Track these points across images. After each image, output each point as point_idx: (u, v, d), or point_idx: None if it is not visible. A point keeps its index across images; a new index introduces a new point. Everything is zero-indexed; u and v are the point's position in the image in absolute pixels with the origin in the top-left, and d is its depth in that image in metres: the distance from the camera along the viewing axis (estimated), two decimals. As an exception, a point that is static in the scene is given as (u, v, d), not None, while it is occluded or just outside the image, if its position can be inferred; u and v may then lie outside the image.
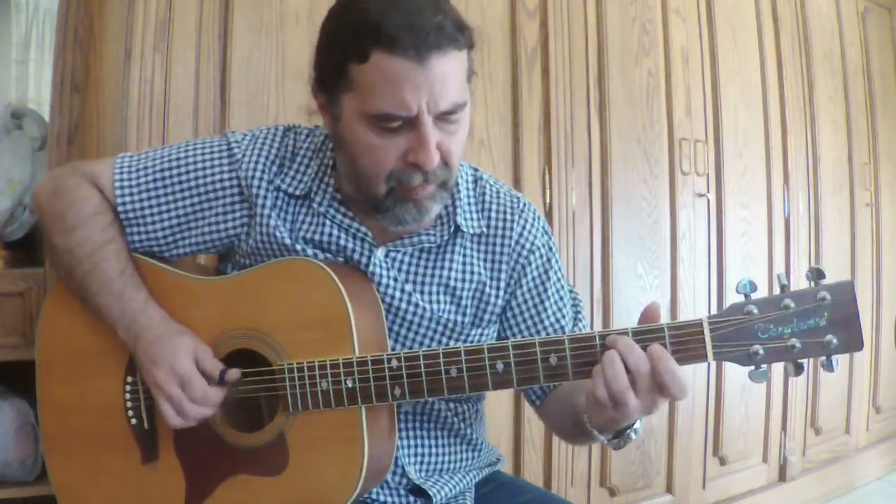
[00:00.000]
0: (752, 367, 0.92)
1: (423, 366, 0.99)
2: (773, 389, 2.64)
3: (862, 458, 3.01)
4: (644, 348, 0.91)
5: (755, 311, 0.90)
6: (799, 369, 0.91)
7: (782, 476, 2.68)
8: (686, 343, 0.92)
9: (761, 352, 0.91)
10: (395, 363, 0.99)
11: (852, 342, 0.89)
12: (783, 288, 0.91)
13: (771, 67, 2.67)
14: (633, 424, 0.98)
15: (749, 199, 2.56)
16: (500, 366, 0.97)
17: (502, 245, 1.14)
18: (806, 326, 0.90)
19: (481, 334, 1.15)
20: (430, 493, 1.12)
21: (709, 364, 2.43)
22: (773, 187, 2.65)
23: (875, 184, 3.09)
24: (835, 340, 0.89)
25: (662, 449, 2.32)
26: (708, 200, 2.43)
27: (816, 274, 0.90)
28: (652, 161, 2.28)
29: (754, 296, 0.91)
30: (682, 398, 0.92)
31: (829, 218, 2.85)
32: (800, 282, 2.65)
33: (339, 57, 0.98)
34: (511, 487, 1.24)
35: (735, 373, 2.50)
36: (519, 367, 0.96)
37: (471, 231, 1.13)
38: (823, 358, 0.90)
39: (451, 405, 1.17)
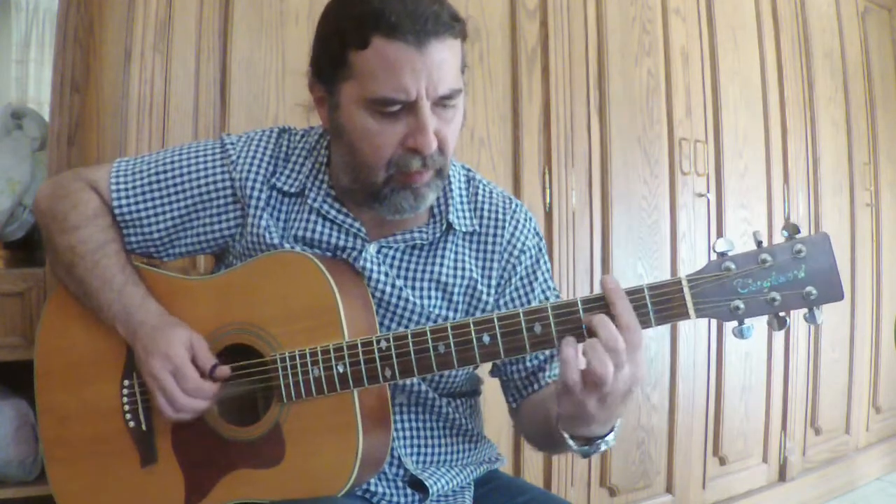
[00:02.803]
0: (736, 323, 0.93)
1: (411, 344, 1.00)
2: (773, 389, 2.65)
3: (862, 458, 3.01)
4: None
5: (733, 266, 0.92)
6: (782, 323, 0.92)
7: (782, 476, 2.68)
8: (667, 302, 0.93)
9: (742, 306, 0.92)
10: (384, 344, 1.01)
11: (832, 292, 0.90)
12: (759, 244, 0.92)
13: (771, 67, 2.67)
14: (606, 435, 0.99)
15: (749, 199, 2.57)
16: (486, 338, 0.98)
17: (494, 244, 1.16)
18: (785, 279, 0.91)
19: None
20: (426, 484, 1.12)
21: (708, 363, 2.43)
22: (773, 187, 2.65)
23: (875, 184, 3.09)
24: (815, 291, 0.90)
25: (662, 449, 2.32)
26: (708, 200, 2.43)
27: (792, 229, 0.91)
28: (652, 161, 2.28)
29: (731, 253, 0.92)
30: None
31: (829, 218, 2.85)
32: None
33: (339, 45, 1.00)
34: (510, 487, 1.25)
35: (735, 372, 2.50)
36: (505, 338, 0.98)
37: (463, 229, 1.15)
38: (806, 311, 0.91)
39: (446, 397, 1.18)
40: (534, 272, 1.18)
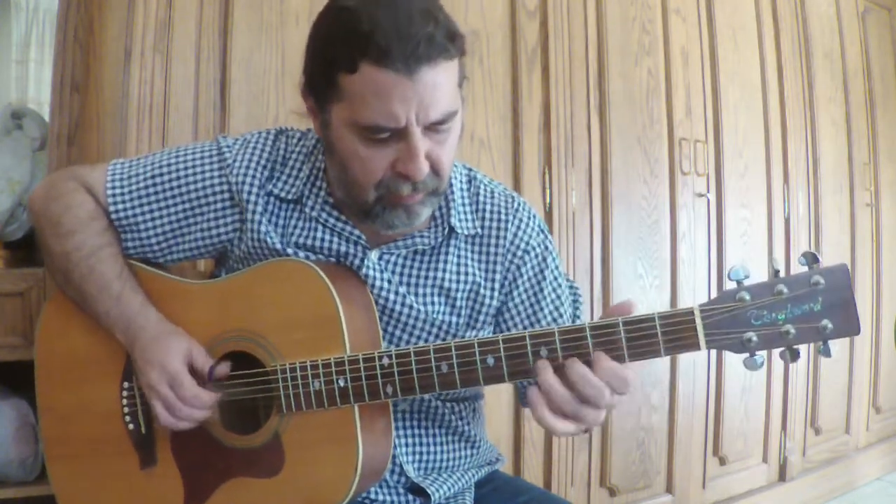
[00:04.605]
0: (747, 355, 0.90)
1: (413, 363, 0.99)
2: (773, 389, 2.65)
3: (862, 458, 3.01)
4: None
5: (747, 297, 0.89)
6: (795, 355, 0.90)
7: (782, 476, 2.68)
8: (678, 332, 0.90)
9: (755, 339, 0.89)
10: (385, 361, 0.99)
11: (849, 326, 0.87)
12: (776, 273, 0.90)
13: (771, 67, 2.67)
14: None
15: (749, 199, 2.56)
16: (490, 360, 0.96)
17: (497, 246, 1.14)
18: (800, 312, 0.88)
19: (476, 335, 1.14)
20: (428, 491, 1.12)
21: (708, 363, 2.43)
22: (773, 187, 2.65)
23: (875, 184, 3.09)
24: (830, 325, 0.87)
25: (662, 449, 2.32)
26: (708, 200, 2.43)
27: (811, 258, 0.88)
28: (652, 161, 2.28)
29: (747, 282, 0.90)
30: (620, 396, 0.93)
31: (829, 218, 2.85)
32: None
33: (328, 66, 0.97)
34: (510, 487, 1.24)
35: (735, 372, 2.50)
36: (509, 361, 0.96)
37: (465, 232, 1.13)
38: (820, 343, 0.89)
39: (449, 403, 1.17)
40: (541, 272, 1.16)
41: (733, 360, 2.48)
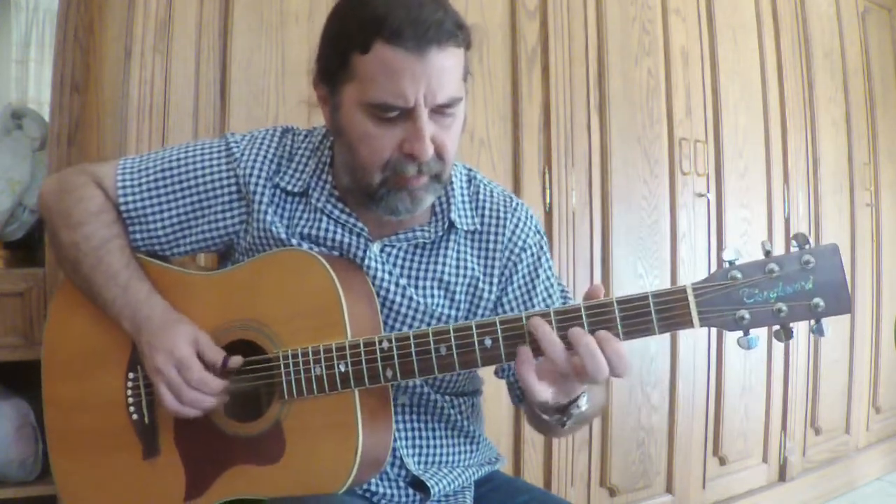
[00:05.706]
0: (741, 333, 0.92)
1: (413, 345, 1.00)
2: (773, 389, 2.65)
3: (862, 458, 3.01)
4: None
5: (739, 275, 0.90)
6: (789, 333, 0.91)
7: (782, 476, 2.68)
8: (671, 310, 0.92)
9: (747, 316, 0.90)
10: (385, 345, 1.01)
11: (840, 305, 0.88)
12: (767, 253, 0.91)
13: (771, 67, 2.67)
14: (576, 400, 1.00)
15: (749, 199, 2.57)
16: (488, 342, 0.98)
17: (495, 242, 1.17)
18: (792, 290, 0.89)
19: None
20: (428, 485, 1.13)
21: (708, 363, 2.43)
22: (773, 187, 2.65)
23: (875, 184, 3.09)
24: (822, 303, 0.88)
25: (662, 449, 2.32)
26: (708, 200, 2.43)
27: (801, 239, 0.90)
28: (652, 161, 2.28)
29: (739, 262, 0.91)
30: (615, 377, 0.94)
31: (829, 218, 2.85)
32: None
33: (342, 47, 1.01)
34: (510, 487, 1.25)
35: (735, 373, 2.50)
36: (506, 342, 0.97)
37: (465, 228, 1.16)
38: (813, 322, 0.90)
39: (448, 397, 1.18)
40: (535, 270, 1.19)
41: (733, 359, 2.49)
